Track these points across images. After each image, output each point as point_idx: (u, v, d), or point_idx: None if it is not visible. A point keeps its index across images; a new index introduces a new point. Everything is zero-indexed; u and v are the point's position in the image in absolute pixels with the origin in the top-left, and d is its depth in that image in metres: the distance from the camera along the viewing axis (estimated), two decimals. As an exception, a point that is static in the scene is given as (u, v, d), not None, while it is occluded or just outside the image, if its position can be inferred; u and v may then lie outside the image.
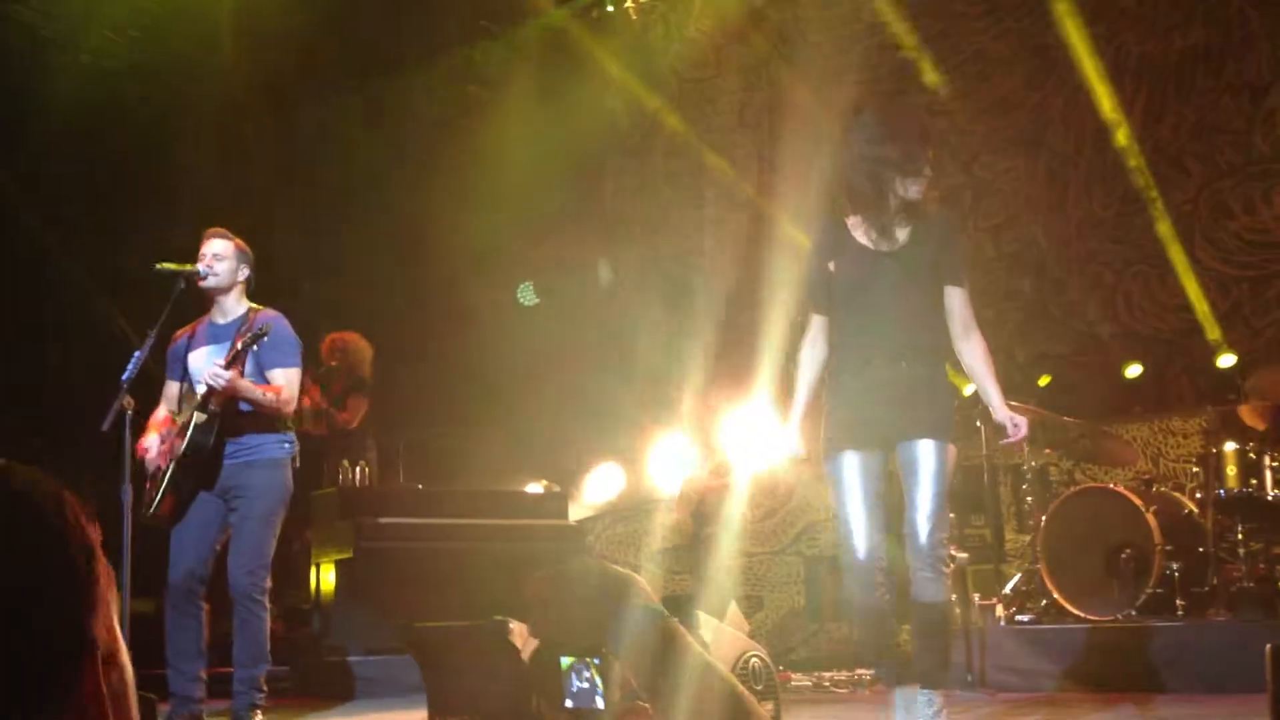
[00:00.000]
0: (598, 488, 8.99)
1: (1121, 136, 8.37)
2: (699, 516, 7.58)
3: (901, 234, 4.49)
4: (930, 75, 8.34)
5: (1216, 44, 8.19)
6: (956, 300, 4.51)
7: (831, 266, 4.53)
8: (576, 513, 8.52)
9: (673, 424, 8.54)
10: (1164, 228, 8.34)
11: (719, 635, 4.68)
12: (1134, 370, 8.21)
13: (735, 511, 7.37)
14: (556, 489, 8.49)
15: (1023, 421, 4.56)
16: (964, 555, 7.27)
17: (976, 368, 4.54)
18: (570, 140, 9.96)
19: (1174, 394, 8.25)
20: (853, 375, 4.49)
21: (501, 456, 9.27)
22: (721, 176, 9.66)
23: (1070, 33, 7.92)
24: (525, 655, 4.60)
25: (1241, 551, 6.56)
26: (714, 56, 10.07)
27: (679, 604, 4.49)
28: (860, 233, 4.54)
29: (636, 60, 10.05)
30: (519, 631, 4.64)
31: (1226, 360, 7.82)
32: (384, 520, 7.64)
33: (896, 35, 8.64)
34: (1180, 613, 6.40)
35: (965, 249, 5.19)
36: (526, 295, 9.72)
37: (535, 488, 8.58)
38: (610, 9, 10.00)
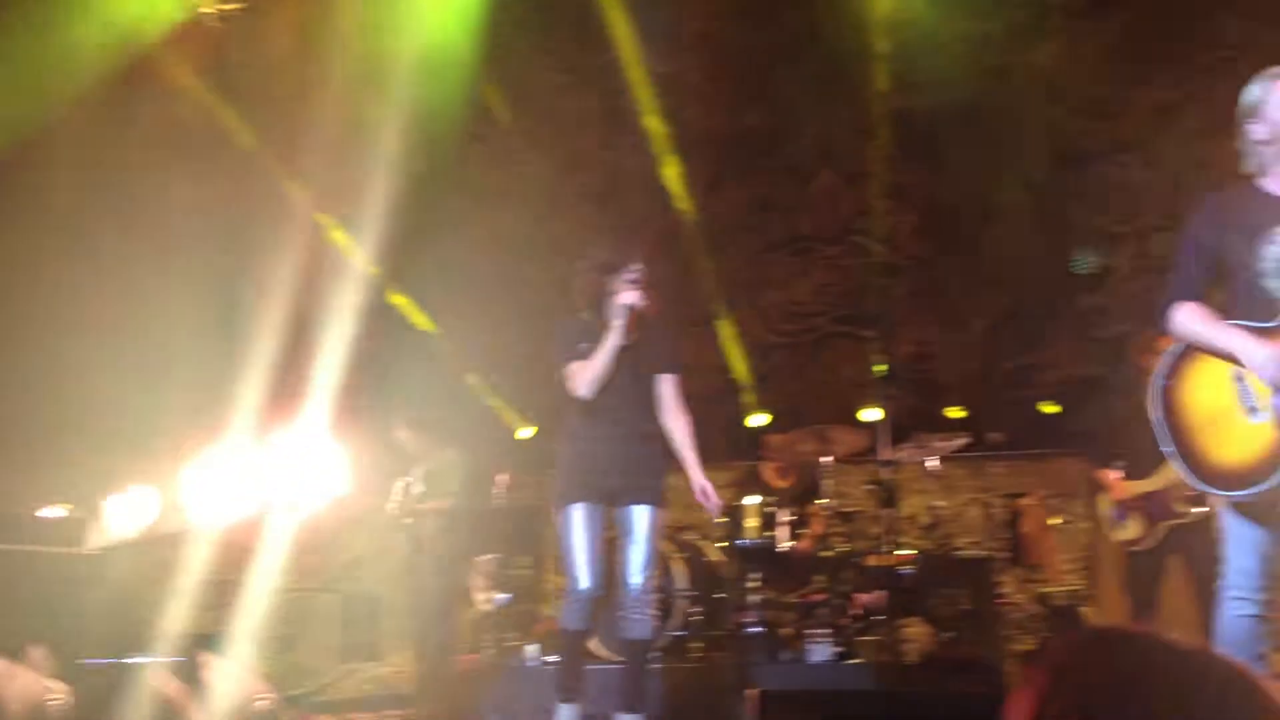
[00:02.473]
0: (125, 514, 8.37)
1: (685, 203, 8.84)
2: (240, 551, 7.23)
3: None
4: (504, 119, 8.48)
5: (772, 127, 8.85)
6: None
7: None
8: (96, 541, 7.88)
9: (211, 451, 8.11)
10: (718, 291, 8.89)
11: (226, 677, 4.45)
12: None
13: (272, 547, 7.09)
14: (73, 513, 7.83)
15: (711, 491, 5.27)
16: (506, 596, 7.36)
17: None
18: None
19: (711, 448, 8.74)
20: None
21: (10, 476, 8.44)
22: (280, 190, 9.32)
23: (642, 102, 8.30)
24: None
25: (754, 599, 7.00)
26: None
27: (201, 643, 4.28)
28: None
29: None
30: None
31: (757, 419, 8.40)
32: None
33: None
34: (694, 656, 6.73)
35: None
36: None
37: (52, 511, 7.88)
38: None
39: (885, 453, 6.80)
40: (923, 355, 8.68)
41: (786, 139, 8.82)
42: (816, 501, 7.43)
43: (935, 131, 8.14)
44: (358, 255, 7.82)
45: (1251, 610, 3.65)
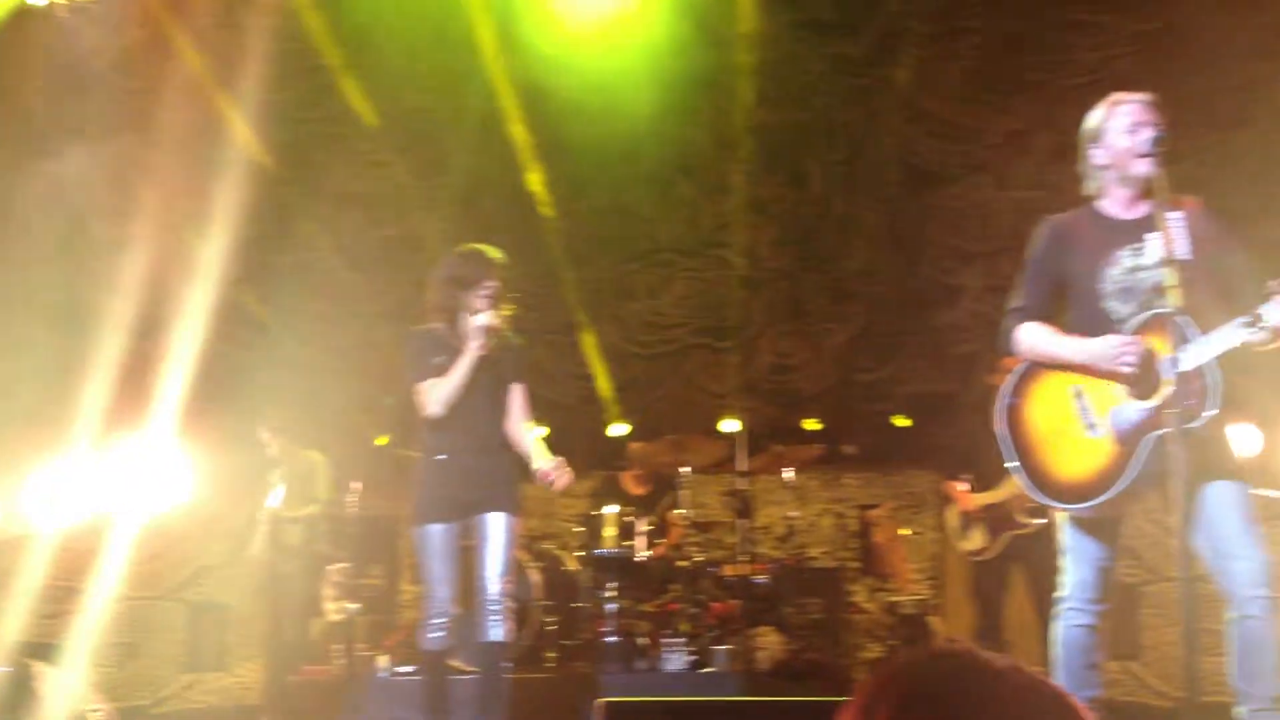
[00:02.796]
0: (-44, 520, 8.01)
1: (547, 211, 8.81)
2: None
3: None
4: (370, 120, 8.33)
5: (635, 138, 8.85)
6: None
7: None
8: (-75, 547, 7.52)
9: (52, 454, 7.81)
10: (579, 300, 8.88)
11: (57, 686, 4.28)
12: (538, 432, 8.60)
13: (114, 554, 6.85)
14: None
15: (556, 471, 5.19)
16: (356, 606, 7.24)
17: None
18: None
19: (571, 457, 8.72)
20: None
21: None
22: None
23: (505, 106, 8.23)
24: None
25: (611, 608, 7.01)
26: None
27: (34, 652, 4.10)
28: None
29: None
30: None
31: (618, 429, 8.42)
32: None
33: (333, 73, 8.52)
34: (549, 664, 6.71)
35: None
36: None
37: None
38: None
39: (742, 463, 6.88)
40: (781, 368, 8.80)
41: (647, 149, 8.85)
42: (674, 511, 7.48)
43: (796, 147, 8.28)
44: (209, 256, 7.60)
45: (1087, 620, 3.78)
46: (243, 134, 7.61)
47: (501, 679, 5.16)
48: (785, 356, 8.81)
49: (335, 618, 7.36)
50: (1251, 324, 3.45)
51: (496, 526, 5.10)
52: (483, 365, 5.13)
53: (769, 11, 7.26)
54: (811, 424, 8.62)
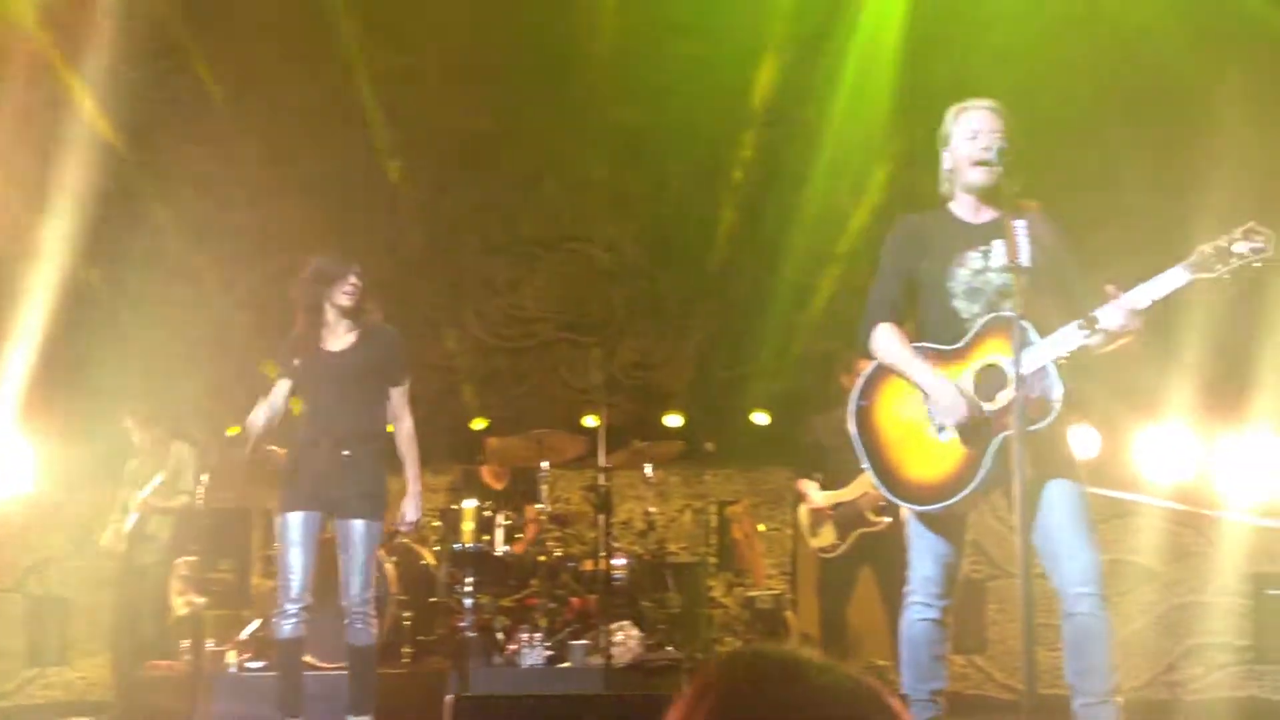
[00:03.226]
0: None
1: (409, 202, 8.69)
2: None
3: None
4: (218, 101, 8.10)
5: (498, 131, 8.81)
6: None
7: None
8: None
9: None
10: (440, 292, 8.80)
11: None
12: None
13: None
14: None
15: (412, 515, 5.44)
16: (202, 600, 7.05)
17: None
18: None
19: (430, 450, 8.64)
20: None
21: None
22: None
23: (365, 94, 8.11)
24: None
25: (468, 603, 6.96)
26: None
27: None
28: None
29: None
30: None
31: (478, 423, 8.37)
32: None
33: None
34: (405, 660, 6.64)
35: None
36: None
37: None
38: None
39: (603, 459, 6.90)
40: (642, 364, 8.85)
41: (510, 143, 8.81)
42: (533, 506, 7.47)
43: (657, 145, 8.33)
44: (53, 238, 7.32)
45: (933, 615, 3.90)
46: (90, 113, 7.35)
47: (371, 680, 5.27)
48: (646, 353, 8.86)
49: (182, 612, 7.17)
50: (1088, 327, 3.59)
51: (357, 533, 5.17)
52: (349, 358, 5.23)
53: (632, 9, 7.29)
54: (672, 420, 8.68)
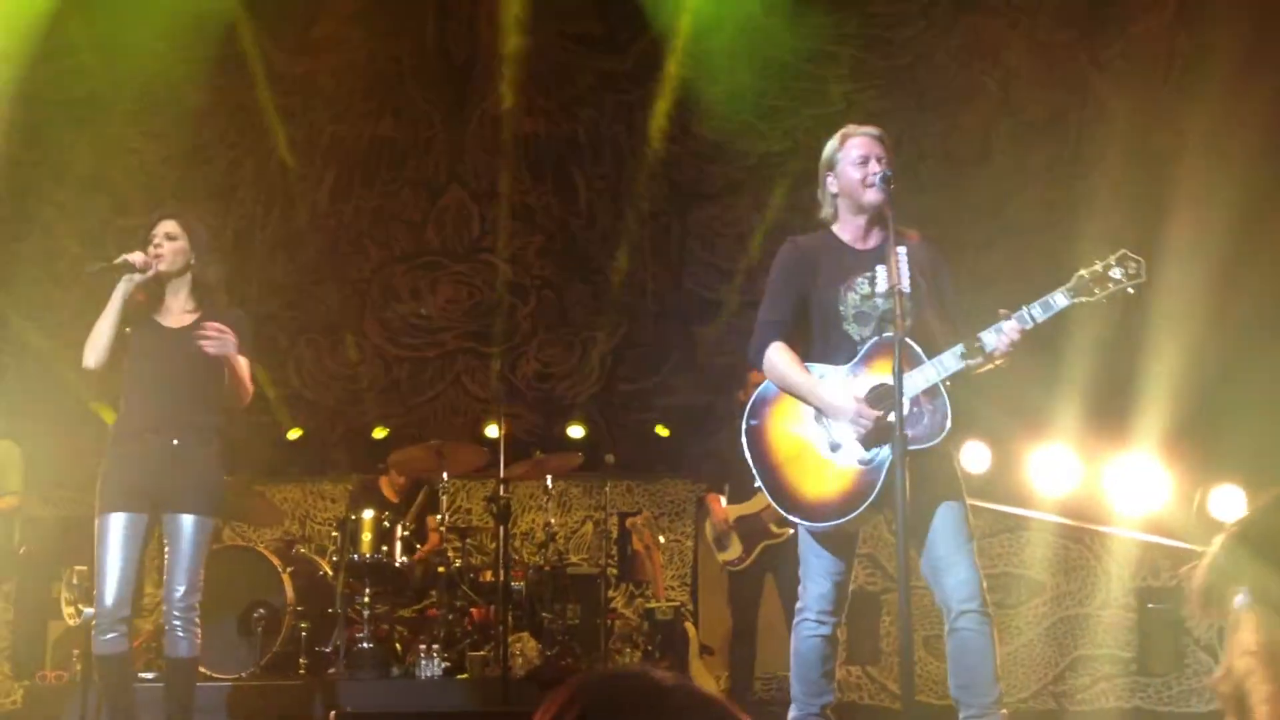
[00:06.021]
0: None
1: (310, 208, 8.62)
2: None
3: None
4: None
5: (402, 139, 8.78)
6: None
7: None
8: None
9: None
10: (342, 300, 8.72)
11: None
12: (295, 433, 8.43)
13: None
14: None
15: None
16: (91, 610, 6.90)
17: None
18: None
19: (330, 459, 8.59)
20: None
21: None
22: None
23: (264, 100, 8.02)
24: None
25: (367, 614, 6.90)
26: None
27: None
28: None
29: None
30: None
31: (378, 433, 8.31)
32: None
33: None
34: (301, 670, 6.58)
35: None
36: None
37: None
38: None
39: (504, 470, 6.89)
40: (544, 375, 8.86)
41: (415, 152, 8.78)
42: (434, 516, 7.43)
43: (562, 158, 8.37)
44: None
45: (824, 632, 3.96)
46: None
47: (190, 696, 4.76)
48: (549, 364, 8.87)
49: (72, 622, 7.01)
50: (969, 349, 3.70)
51: (184, 529, 4.67)
52: (173, 337, 4.71)
53: (539, 23, 7.33)
54: (574, 431, 8.70)
